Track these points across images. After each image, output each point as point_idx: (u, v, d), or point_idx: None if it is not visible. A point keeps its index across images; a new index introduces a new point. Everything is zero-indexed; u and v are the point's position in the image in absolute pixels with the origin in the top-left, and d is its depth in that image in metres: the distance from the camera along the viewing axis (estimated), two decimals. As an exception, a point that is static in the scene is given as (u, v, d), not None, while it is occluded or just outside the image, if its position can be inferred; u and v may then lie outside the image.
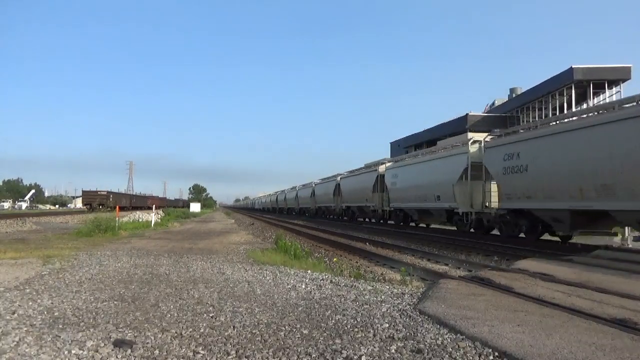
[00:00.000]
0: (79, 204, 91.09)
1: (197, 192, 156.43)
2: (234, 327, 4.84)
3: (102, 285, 7.22)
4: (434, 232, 22.63)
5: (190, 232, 22.63)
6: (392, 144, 61.39)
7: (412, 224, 26.94)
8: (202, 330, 4.70)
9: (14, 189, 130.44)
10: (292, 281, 7.79)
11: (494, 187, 17.25)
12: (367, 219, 34.88)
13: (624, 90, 34.35)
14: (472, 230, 19.62)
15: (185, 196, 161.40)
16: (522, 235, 16.29)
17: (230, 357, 3.95)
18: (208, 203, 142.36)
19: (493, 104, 51.60)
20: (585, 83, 35.36)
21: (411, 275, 8.93)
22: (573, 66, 34.77)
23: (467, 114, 44.32)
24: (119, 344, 4.18)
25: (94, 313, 5.35)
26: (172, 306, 5.77)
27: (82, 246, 13.70)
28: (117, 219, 21.57)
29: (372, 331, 4.71)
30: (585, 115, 14.05)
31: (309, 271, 9.12)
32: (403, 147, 54.76)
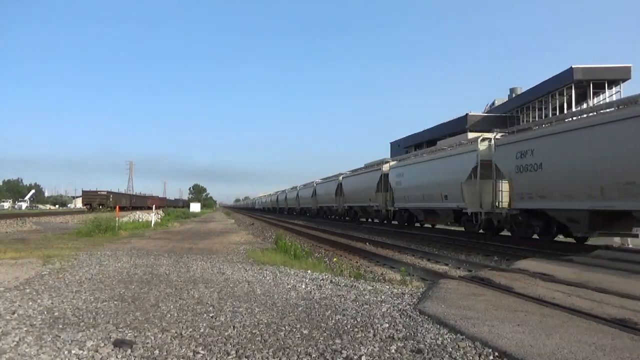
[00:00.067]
0: (79, 204, 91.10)
1: (197, 192, 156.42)
2: (234, 327, 4.84)
3: (102, 285, 7.22)
4: (434, 232, 22.63)
5: (190, 232, 22.63)
6: (392, 144, 61.43)
7: (417, 224, 26.34)
8: (202, 330, 4.70)
9: (14, 189, 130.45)
10: (292, 281, 7.79)
11: (505, 186, 16.66)
12: (369, 219, 34.46)
13: (624, 90, 34.39)
14: (481, 231, 18.96)
15: (185, 196, 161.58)
16: (535, 236, 15.68)
17: (230, 357, 3.95)
18: (208, 203, 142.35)
19: (493, 104, 51.64)
20: (585, 83, 35.39)
21: (411, 275, 8.93)
22: (573, 66, 34.79)
23: (467, 114, 44.36)
24: (119, 344, 4.18)
25: (94, 313, 5.35)
26: (172, 306, 5.77)
27: (82, 246, 13.70)
28: (117, 219, 21.57)
29: (372, 331, 4.71)
30: (608, 110, 13.00)
31: (309, 271, 9.12)
32: (403, 147, 54.79)
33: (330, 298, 6.41)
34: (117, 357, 3.90)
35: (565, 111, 34.02)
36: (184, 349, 4.10)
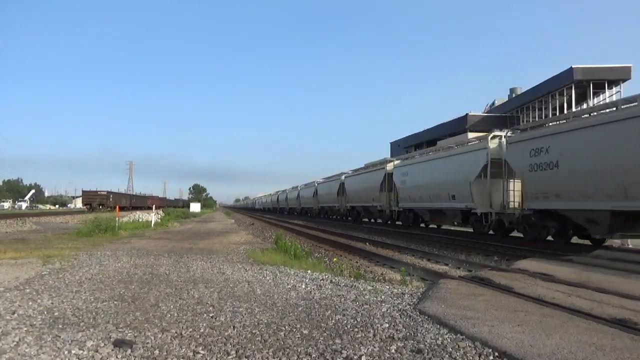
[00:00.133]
0: (79, 204, 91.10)
1: (197, 192, 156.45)
2: (234, 327, 4.84)
3: (102, 285, 7.22)
4: (434, 232, 22.58)
5: (190, 232, 22.63)
6: (392, 144, 61.44)
7: (422, 225, 25.65)
8: (202, 330, 4.70)
9: (14, 189, 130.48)
10: (292, 281, 7.79)
11: (517, 185, 16.10)
12: (372, 220, 33.84)
13: (624, 90, 34.40)
14: (491, 232, 18.30)
15: (185, 196, 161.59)
16: (549, 238, 14.96)
17: (230, 357, 3.95)
18: (208, 203, 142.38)
19: (493, 104, 51.66)
20: (585, 83, 35.39)
21: (411, 275, 8.93)
22: (573, 66, 34.79)
23: (467, 114, 44.37)
24: (119, 344, 4.18)
25: (94, 313, 5.35)
26: (172, 306, 5.77)
27: (82, 246, 13.70)
28: (117, 219, 21.57)
29: (372, 331, 4.71)
30: (630, 105, 12.12)
31: (309, 271, 9.12)
32: (403, 147, 54.81)
33: (330, 298, 6.41)
34: (117, 357, 3.90)
35: (566, 111, 34.01)
36: (184, 349, 4.10)
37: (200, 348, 4.14)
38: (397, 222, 28.26)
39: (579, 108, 34.15)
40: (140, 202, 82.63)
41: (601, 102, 33.10)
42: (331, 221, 39.22)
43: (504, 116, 44.47)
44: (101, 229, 18.72)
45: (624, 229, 12.42)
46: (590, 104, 33.51)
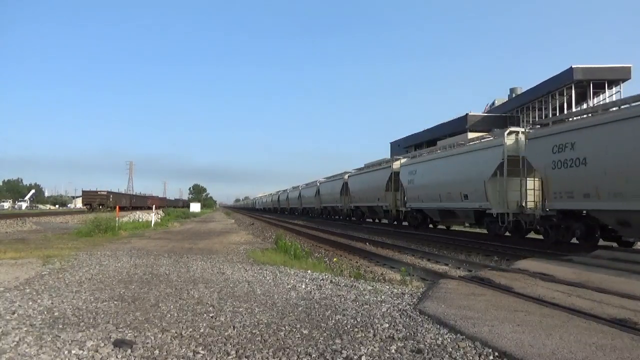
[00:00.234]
0: (79, 204, 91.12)
1: (197, 192, 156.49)
2: (234, 327, 4.84)
3: (102, 285, 7.22)
4: (434, 232, 22.56)
5: (190, 232, 22.63)
6: (392, 144, 61.47)
7: (431, 226, 24.67)
8: (202, 330, 4.70)
9: (14, 189, 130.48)
10: (292, 281, 7.79)
11: (537, 184, 15.33)
12: (377, 220, 32.92)
13: (624, 90, 34.42)
14: (507, 234, 17.25)
15: (185, 196, 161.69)
16: (574, 241, 13.90)
17: (230, 357, 3.95)
18: (208, 203, 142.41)
19: (493, 104, 51.69)
20: (585, 83, 35.40)
21: (411, 275, 8.93)
22: (573, 66, 34.80)
23: (467, 114, 44.39)
24: (119, 344, 4.18)
25: (94, 313, 5.35)
26: (172, 306, 5.77)
27: (82, 246, 13.70)
28: (117, 219, 21.57)
29: (372, 331, 4.71)
30: None
31: (309, 271, 9.12)
32: (403, 147, 54.82)
33: (330, 298, 6.41)
34: (117, 357, 3.90)
35: (566, 111, 34.02)
36: (184, 349, 4.10)
37: (200, 348, 4.14)
38: (403, 223, 27.15)
39: (579, 108, 34.15)
40: (140, 202, 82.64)
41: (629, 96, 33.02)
42: (331, 221, 39.02)
43: (504, 116, 44.48)
44: (101, 229, 18.73)
45: None
46: (590, 104, 33.50)
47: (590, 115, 13.23)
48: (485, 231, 19.43)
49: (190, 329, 4.73)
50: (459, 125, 43.26)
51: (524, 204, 15.76)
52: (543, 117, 36.60)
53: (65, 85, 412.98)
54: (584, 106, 34.16)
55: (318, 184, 47.05)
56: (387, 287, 7.51)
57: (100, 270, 8.81)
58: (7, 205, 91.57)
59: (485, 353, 4.03)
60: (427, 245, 16.33)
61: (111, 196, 67.83)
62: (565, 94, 36.66)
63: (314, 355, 3.97)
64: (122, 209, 42.73)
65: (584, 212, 13.31)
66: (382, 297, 6.55)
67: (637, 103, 11.84)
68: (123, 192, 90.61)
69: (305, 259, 11.63)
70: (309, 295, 6.59)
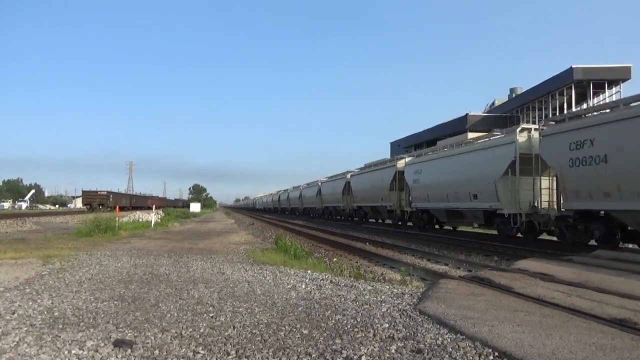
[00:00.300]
0: (79, 204, 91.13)
1: (197, 192, 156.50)
2: (234, 327, 4.84)
3: (102, 285, 7.22)
4: (434, 233, 22.52)
5: (190, 232, 22.62)
6: (392, 143, 61.52)
7: (437, 226, 24.12)
8: (202, 330, 4.70)
9: (14, 189, 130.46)
10: (292, 281, 7.79)
11: (552, 182, 14.86)
12: (380, 220, 32.48)
13: (624, 90, 34.44)
14: (519, 235, 16.68)
15: (185, 196, 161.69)
16: (592, 242, 13.22)
17: (230, 357, 3.95)
18: (208, 203, 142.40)
19: (493, 104, 51.75)
20: (585, 83, 35.44)
21: (411, 275, 8.93)
22: (573, 66, 34.84)
23: (467, 114, 44.43)
24: (119, 344, 4.18)
25: (94, 313, 5.35)
26: (172, 306, 5.77)
27: (82, 246, 13.70)
28: (117, 219, 21.57)
29: (372, 331, 4.71)
30: None
31: (309, 271, 9.12)
32: (403, 147, 54.87)
33: (330, 298, 6.41)
34: (117, 357, 3.90)
35: (566, 111, 34.02)
36: (184, 349, 4.10)
37: (200, 348, 4.14)
38: (408, 224, 26.51)
39: (579, 108, 34.14)
40: (140, 202, 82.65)
41: None
42: (332, 221, 38.93)
43: (504, 116, 44.54)
44: (101, 229, 18.73)
45: None
46: (590, 104, 33.50)
47: (609, 110, 12.57)
48: (485, 231, 19.41)
49: (190, 329, 4.73)
50: (459, 125, 43.30)
51: (536, 204, 15.28)
52: (543, 117, 36.62)
53: (65, 85, 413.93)
54: (584, 106, 34.16)
55: (319, 184, 46.54)
56: (387, 287, 7.51)
57: (100, 270, 8.81)
58: (7, 205, 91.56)
59: (485, 353, 4.03)
60: (427, 245, 16.32)
61: (111, 196, 67.84)
62: (565, 94, 36.69)
63: (314, 355, 3.97)
64: (122, 209, 42.73)
65: (602, 212, 12.87)
66: (382, 297, 6.55)
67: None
68: (123, 192, 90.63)
69: (305, 259, 11.63)
70: (309, 295, 6.59)
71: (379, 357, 3.95)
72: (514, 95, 46.84)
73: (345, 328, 4.83)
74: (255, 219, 46.76)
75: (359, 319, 5.19)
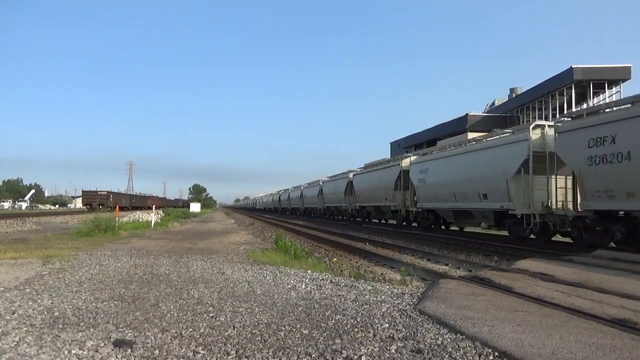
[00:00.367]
0: (79, 204, 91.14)
1: (197, 192, 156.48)
2: (234, 327, 4.84)
3: (102, 285, 7.22)
4: (434, 233, 22.48)
5: (190, 232, 22.62)
6: (392, 143, 61.51)
7: (443, 227, 23.53)
8: (202, 330, 4.70)
9: (14, 189, 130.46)
10: (292, 281, 7.79)
11: (568, 182, 14.37)
12: (384, 221, 31.94)
13: (624, 90, 34.44)
14: (532, 236, 16.04)
15: (185, 196, 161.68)
16: (612, 244, 12.60)
17: (230, 357, 3.95)
18: (208, 203, 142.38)
19: (493, 104, 51.76)
20: (585, 83, 35.43)
21: (411, 275, 8.93)
22: (573, 66, 34.83)
23: (467, 114, 44.43)
24: (119, 344, 4.18)
25: (94, 313, 5.35)
26: (172, 306, 5.77)
27: (82, 246, 13.70)
28: (117, 219, 21.57)
29: (372, 331, 4.71)
30: None
31: (309, 271, 9.12)
32: (403, 147, 54.85)
33: (330, 298, 6.41)
34: (117, 357, 3.90)
35: (566, 111, 34.02)
36: (184, 349, 4.10)
37: (200, 348, 4.14)
38: (413, 224, 25.79)
39: (579, 108, 34.14)
40: (140, 202, 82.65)
41: None
42: (333, 221, 38.79)
43: (504, 116, 44.53)
44: (101, 229, 18.74)
45: None
46: (590, 104, 33.51)
47: (630, 105, 11.99)
48: (485, 232, 19.32)
49: (190, 329, 4.73)
50: (459, 125, 43.30)
51: (550, 204, 14.73)
52: (543, 118, 36.62)
53: (65, 85, 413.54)
54: (584, 106, 34.17)
55: (321, 184, 45.93)
56: (387, 287, 7.51)
57: (100, 270, 8.81)
58: (7, 205, 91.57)
59: (485, 353, 4.03)
60: (427, 245, 16.32)
61: (111, 196, 67.84)
62: (565, 94, 36.69)
63: (314, 355, 3.97)
64: (122, 209, 42.73)
65: (621, 212, 12.31)
66: (382, 297, 6.55)
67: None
68: (123, 192, 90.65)
69: (305, 259, 11.63)
70: (309, 295, 6.59)
71: (379, 357, 3.95)
72: (514, 95, 46.84)
73: (345, 328, 4.83)
74: (256, 219, 46.75)
75: (359, 319, 5.19)
